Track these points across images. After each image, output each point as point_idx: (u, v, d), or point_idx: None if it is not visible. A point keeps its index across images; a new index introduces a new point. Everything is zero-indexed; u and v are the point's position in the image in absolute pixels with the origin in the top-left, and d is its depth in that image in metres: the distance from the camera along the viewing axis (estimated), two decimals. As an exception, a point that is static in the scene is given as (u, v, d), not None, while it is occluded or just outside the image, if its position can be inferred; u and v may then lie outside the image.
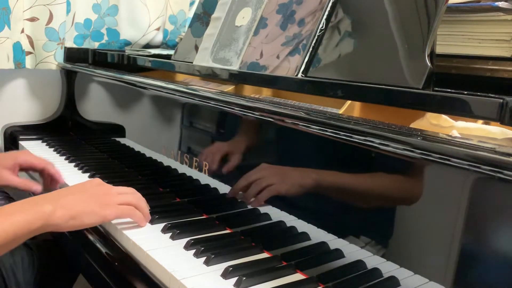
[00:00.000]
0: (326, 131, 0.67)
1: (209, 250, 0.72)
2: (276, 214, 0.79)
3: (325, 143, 0.70)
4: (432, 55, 0.69)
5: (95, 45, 1.63)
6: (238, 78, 0.99)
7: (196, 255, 0.72)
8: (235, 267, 0.67)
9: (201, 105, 0.94)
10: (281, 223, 0.78)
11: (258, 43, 0.96)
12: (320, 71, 0.83)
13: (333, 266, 0.69)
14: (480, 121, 0.69)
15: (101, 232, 0.84)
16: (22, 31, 1.44)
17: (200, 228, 0.82)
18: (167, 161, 1.05)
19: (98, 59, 1.53)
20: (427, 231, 0.59)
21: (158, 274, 0.70)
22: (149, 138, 1.13)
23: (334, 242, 0.70)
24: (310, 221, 0.74)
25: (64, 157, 1.22)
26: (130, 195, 0.82)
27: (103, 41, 1.64)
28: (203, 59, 1.07)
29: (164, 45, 1.72)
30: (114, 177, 1.07)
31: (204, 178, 0.93)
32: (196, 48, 1.13)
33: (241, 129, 0.87)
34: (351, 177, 0.68)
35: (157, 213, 0.85)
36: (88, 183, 0.83)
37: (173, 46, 1.66)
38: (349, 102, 0.82)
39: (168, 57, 1.26)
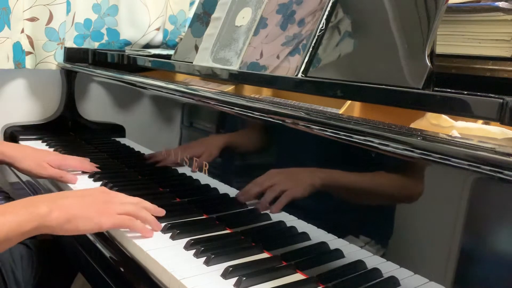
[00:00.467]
0: (326, 131, 0.67)
1: (209, 250, 0.72)
2: (276, 214, 0.79)
3: (325, 143, 0.70)
4: (432, 55, 0.69)
5: (95, 45, 1.63)
6: (238, 78, 0.98)
7: (196, 255, 0.72)
8: (235, 267, 0.67)
9: (201, 105, 0.94)
10: (281, 223, 0.78)
11: (258, 43, 0.96)
12: (320, 71, 0.83)
13: (333, 266, 0.69)
14: (480, 121, 0.69)
15: (101, 232, 0.84)
16: (22, 31, 1.44)
17: (200, 228, 0.82)
18: (167, 161, 1.05)
19: (98, 59, 1.53)
20: (427, 231, 0.59)
21: (158, 274, 0.70)
22: (149, 138, 1.13)
23: (334, 242, 0.70)
24: (310, 221, 0.74)
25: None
26: (131, 205, 0.80)
27: (103, 41, 1.64)
28: (203, 59, 1.07)
29: (164, 45, 1.72)
30: (114, 177, 1.07)
31: (204, 178, 0.93)
32: (196, 48, 1.14)
33: (241, 129, 0.87)
34: (351, 177, 0.68)
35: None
36: (92, 190, 0.82)
37: (173, 46, 1.66)
38: (349, 102, 0.82)
39: (168, 57, 1.26)
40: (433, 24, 0.69)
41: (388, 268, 0.63)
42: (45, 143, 1.37)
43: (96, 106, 1.41)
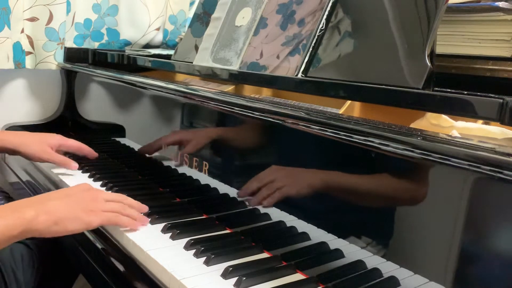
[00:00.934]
0: (326, 131, 0.67)
1: (209, 250, 0.72)
2: (276, 214, 0.79)
3: (325, 143, 0.70)
4: (432, 55, 0.69)
5: (95, 45, 1.63)
6: (238, 78, 0.99)
7: (196, 255, 0.72)
8: (235, 267, 0.68)
9: (201, 105, 0.94)
10: (281, 223, 0.78)
11: (258, 43, 0.96)
12: (320, 71, 0.83)
13: (333, 266, 0.69)
14: (480, 121, 0.69)
15: (101, 232, 0.84)
16: (22, 31, 1.44)
17: (200, 228, 0.82)
18: (167, 161, 1.05)
19: (98, 59, 1.53)
20: (427, 231, 0.59)
21: (158, 274, 0.70)
22: (149, 138, 1.13)
23: (334, 242, 0.70)
24: (310, 221, 0.74)
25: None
26: (116, 203, 0.81)
27: (103, 41, 1.64)
28: (203, 59, 1.07)
29: (164, 45, 1.72)
30: (114, 177, 1.07)
31: (204, 178, 0.93)
32: (196, 48, 1.14)
33: (241, 129, 0.87)
34: (351, 177, 0.68)
35: (157, 213, 0.85)
36: (76, 188, 0.82)
37: (173, 46, 1.66)
38: (349, 102, 0.82)
39: (168, 57, 1.26)
40: (433, 24, 0.69)
41: (388, 268, 0.63)
42: (45, 143, 1.36)
43: (96, 106, 1.41)
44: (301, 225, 0.75)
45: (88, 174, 1.10)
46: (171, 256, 0.72)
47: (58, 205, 0.75)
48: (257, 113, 0.80)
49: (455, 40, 0.86)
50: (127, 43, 1.64)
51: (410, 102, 0.67)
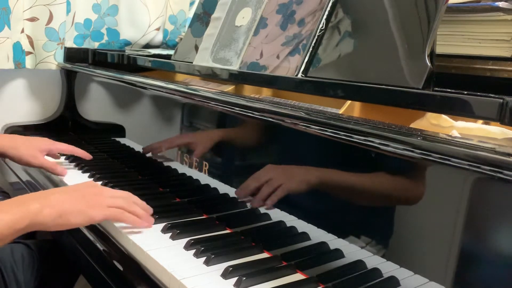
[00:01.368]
0: (326, 131, 0.67)
1: (209, 250, 0.72)
2: (276, 214, 0.79)
3: (325, 143, 0.70)
4: (432, 55, 0.69)
5: (95, 45, 1.63)
6: (238, 78, 0.99)
7: (196, 255, 0.72)
8: (235, 267, 0.67)
9: (201, 105, 0.94)
10: (281, 223, 0.78)
11: (258, 43, 0.96)
12: (320, 71, 0.83)
13: (333, 266, 0.69)
14: (480, 121, 0.69)
15: (101, 232, 0.84)
16: (22, 31, 1.44)
17: (200, 228, 0.82)
18: (167, 161, 1.05)
19: (98, 59, 1.53)
20: (427, 231, 0.59)
21: (158, 274, 0.70)
22: (149, 138, 1.13)
23: (334, 242, 0.70)
24: (310, 221, 0.74)
25: (64, 157, 1.22)
26: (122, 198, 0.81)
27: (103, 41, 1.64)
28: (203, 59, 1.07)
29: (164, 45, 1.72)
30: (114, 177, 1.07)
31: (204, 178, 0.93)
32: (196, 48, 1.14)
33: (241, 129, 0.87)
34: (351, 177, 0.68)
35: (157, 213, 0.85)
36: (81, 184, 0.82)
37: (173, 46, 1.66)
38: (349, 102, 0.82)
39: (168, 57, 1.26)
40: (433, 24, 0.69)
41: (388, 268, 0.63)
42: (45, 143, 1.37)
43: (96, 106, 1.41)
44: (301, 225, 0.75)
45: (88, 174, 1.10)
46: (171, 256, 0.72)
47: (62, 199, 0.75)
48: (257, 113, 0.80)
49: (455, 40, 0.86)
50: (127, 43, 1.64)
51: (410, 102, 0.67)
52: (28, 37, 1.46)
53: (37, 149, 1.07)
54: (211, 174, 0.91)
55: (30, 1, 1.44)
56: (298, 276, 0.68)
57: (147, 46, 1.66)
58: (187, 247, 0.75)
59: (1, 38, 1.36)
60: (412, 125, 0.73)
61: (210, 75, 1.03)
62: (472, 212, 0.53)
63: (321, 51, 0.84)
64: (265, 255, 0.74)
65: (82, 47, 1.60)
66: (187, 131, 1.01)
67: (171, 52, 1.32)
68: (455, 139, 0.56)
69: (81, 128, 1.48)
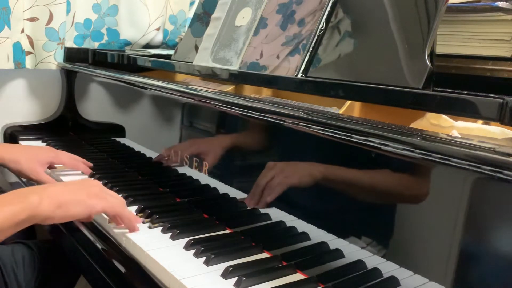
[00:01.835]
0: (326, 131, 0.67)
1: (209, 250, 0.72)
2: (276, 214, 0.79)
3: (325, 143, 0.70)
4: (432, 55, 0.69)
5: (95, 45, 1.63)
6: (238, 78, 0.99)
7: (196, 255, 0.72)
8: (235, 267, 0.68)
9: (201, 105, 0.94)
10: (281, 223, 0.78)
11: (258, 43, 0.96)
12: (320, 71, 0.83)
13: (333, 266, 0.69)
14: (480, 121, 0.69)
15: (101, 232, 0.84)
16: (22, 31, 1.44)
17: (200, 228, 0.82)
18: (167, 161, 1.05)
19: (98, 59, 1.53)
20: (427, 231, 0.59)
21: (158, 274, 0.70)
22: (149, 138, 1.13)
23: (334, 242, 0.70)
24: (310, 221, 0.74)
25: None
26: (118, 200, 0.82)
27: (103, 41, 1.64)
28: (203, 59, 1.07)
29: (164, 45, 1.72)
30: (114, 177, 1.07)
31: (204, 178, 0.93)
32: (196, 48, 1.14)
33: (241, 129, 0.87)
34: (351, 177, 0.68)
35: (157, 213, 0.85)
36: (81, 180, 0.83)
37: (173, 46, 1.66)
38: (349, 102, 0.82)
39: (168, 57, 1.26)
40: (433, 24, 0.69)
41: (388, 268, 0.63)
42: (45, 143, 1.37)
43: (96, 106, 1.41)
44: (301, 225, 0.75)
45: (88, 174, 1.10)
46: (171, 256, 0.72)
47: (61, 190, 0.76)
48: (257, 113, 0.80)
49: (455, 40, 0.86)
50: (127, 43, 1.64)
51: (410, 102, 0.67)
52: (28, 37, 1.46)
53: (38, 162, 1.05)
54: (211, 174, 0.91)
55: (30, 1, 1.44)
56: (298, 276, 0.68)
57: (147, 46, 1.66)
58: (187, 247, 0.75)
59: (1, 38, 1.36)
60: (412, 125, 0.73)
61: (210, 75, 1.03)
62: (472, 212, 0.53)
63: (321, 51, 0.84)
64: (265, 255, 0.74)
65: (82, 47, 1.60)
66: (187, 131, 1.01)
67: (171, 52, 1.32)
68: (455, 139, 0.56)
69: (81, 128, 1.48)
